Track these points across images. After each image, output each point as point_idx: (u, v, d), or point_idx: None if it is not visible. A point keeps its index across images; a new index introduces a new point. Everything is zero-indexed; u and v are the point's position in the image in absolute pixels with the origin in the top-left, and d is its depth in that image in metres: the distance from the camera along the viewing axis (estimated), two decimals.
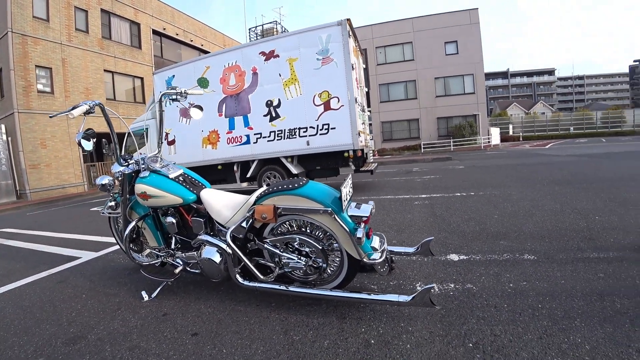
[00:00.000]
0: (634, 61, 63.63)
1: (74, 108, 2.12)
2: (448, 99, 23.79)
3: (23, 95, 14.01)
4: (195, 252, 2.25)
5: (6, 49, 13.70)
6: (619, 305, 1.74)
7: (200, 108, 2.76)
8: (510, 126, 32.49)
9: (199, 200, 2.28)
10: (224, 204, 2.19)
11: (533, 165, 9.10)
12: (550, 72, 71.01)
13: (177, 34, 21.48)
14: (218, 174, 7.40)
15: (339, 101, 6.23)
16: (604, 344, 1.44)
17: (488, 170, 8.73)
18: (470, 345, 1.53)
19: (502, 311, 1.79)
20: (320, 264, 2.00)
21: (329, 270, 2.04)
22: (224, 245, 2.07)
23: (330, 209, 1.82)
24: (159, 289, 2.46)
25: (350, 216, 1.86)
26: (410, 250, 2.39)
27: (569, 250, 2.60)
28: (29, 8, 14.25)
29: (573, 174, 6.70)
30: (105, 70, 17.20)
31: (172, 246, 2.41)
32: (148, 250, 2.61)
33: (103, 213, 2.94)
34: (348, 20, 6.25)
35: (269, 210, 1.92)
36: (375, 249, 1.90)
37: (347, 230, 1.79)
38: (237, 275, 2.08)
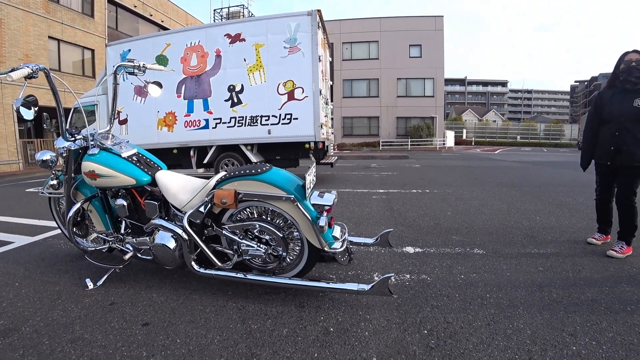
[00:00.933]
0: (575, 81, 69.78)
1: (13, 70, 1.87)
2: (408, 99, 24.57)
3: None
4: (147, 238, 2.11)
5: None
6: (555, 295, 1.92)
7: (160, 85, 2.56)
8: (464, 131, 34.40)
9: (153, 182, 2.13)
10: (181, 187, 2.07)
11: (483, 168, 9.72)
12: (504, 83, 75.97)
13: (135, 6, 19.94)
14: (173, 158, 7.02)
15: (303, 92, 6.17)
16: (542, 329, 1.58)
17: (442, 170, 9.19)
18: (425, 332, 1.59)
19: (454, 300, 1.89)
20: (280, 253, 1.97)
21: (288, 259, 2.02)
22: (179, 231, 1.95)
23: (293, 196, 1.79)
24: (105, 276, 2.26)
25: (313, 205, 1.85)
26: (370, 241, 2.43)
27: (513, 246, 2.81)
28: None
29: (518, 178, 7.26)
30: (50, 37, 15.50)
31: (122, 231, 2.24)
32: (94, 235, 2.40)
33: (42, 193, 2.65)
34: (318, 11, 6.19)
35: (230, 195, 1.85)
36: (336, 238, 1.90)
37: (309, 218, 1.78)
38: (193, 263, 1.98)
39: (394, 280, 2.16)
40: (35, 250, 3.13)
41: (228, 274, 1.95)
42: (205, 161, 6.83)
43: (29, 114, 1.96)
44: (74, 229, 2.33)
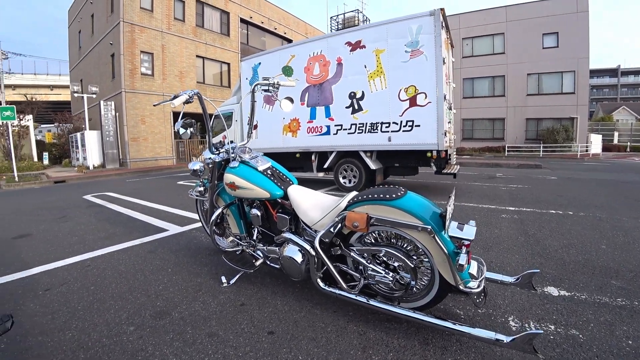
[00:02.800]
0: None
1: (175, 97, 2.18)
2: (541, 98, 21.18)
3: (129, 77, 15.79)
4: (277, 248, 2.25)
5: (118, 37, 15.51)
6: None
7: (291, 100, 2.75)
8: (616, 133, 28.04)
9: (285, 196, 2.25)
10: (312, 204, 2.12)
11: None
12: None
13: (262, 22, 22.34)
14: (295, 161, 7.52)
15: (426, 97, 5.83)
16: None
17: (587, 185, 7.56)
18: None
19: None
20: (408, 281, 1.83)
21: (415, 289, 1.87)
22: (307, 247, 2.01)
23: (430, 227, 1.64)
24: (237, 276, 2.53)
25: (451, 237, 1.67)
26: (509, 279, 2.05)
27: None
28: (137, 0, 15.88)
29: None
30: (197, 56, 18.63)
31: (254, 237, 2.43)
32: (231, 238, 2.68)
33: (191, 195, 3.08)
34: (442, 10, 5.75)
35: (362, 219, 1.79)
36: (473, 277, 1.67)
37: (446, 252, 1.61)
38: (319, 280, 2.01)
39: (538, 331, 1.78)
40: (183, 239, 3.72)
41: (351, 296, 1.91)
42: (325, 166, 7.08)
43: (186, 134, 2.30)
44: (214, 228, 2.66)
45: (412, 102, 5.93)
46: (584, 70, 20.45)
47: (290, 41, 23.45)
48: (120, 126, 16.19)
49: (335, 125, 6.79)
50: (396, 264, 1.85)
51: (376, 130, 6.31)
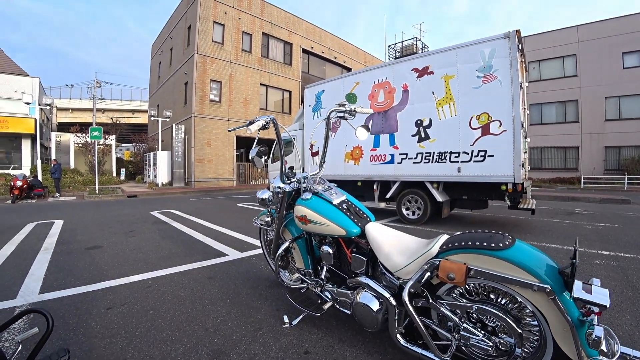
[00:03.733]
0: None
1: (251, 123, 2.09)
2: (623, 123, 18.99)
3: (199, 103, 17.16)
4: (349, 292, 2.03)
5: (192, 67, 17.05)
6: None
7: (367, 129, 2.57)
8: None
9: (362, 234, 2.04)
10: (395, 246, 1.87)
11: None
12: None
13: (322, 52, 23.28)
14: (356, 190, 7.38)
15: (500, 125, 5.45)
16: None
17: None
18: None
19: None
20: (512, 348, 1.54)
21: (519, 358, 1.56)
22: (387, 295, 1.79)
23: (549, 286, 1.35)
24: (300, 317, 2.29)
25: (575, 299, 1.34)
26: None
27: None
28: (210, 34, 17.47)
29: None
30: (261, 84, 19.83)
31: (322, 275, 2.23)
32: (297, 275, 2.48)
33: (256, 223, 2.93)
34: (517, 32, 5.42)
35: (460, 271, 1.53)
36: (603, 353, 1.30)
37: (570, 320, 1.32)
38: (399, 335, 1.76)
39: None
40: (242, 266, 3.69)
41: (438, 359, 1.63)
42: (387, 196, 6.85)
43: (260, 163, 2.15)
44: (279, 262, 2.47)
45: (485, 130, 5.59)
46: None
47: (349, 69, 24.11)
48: (188, 148, 17.50)
49: (400, 154, 6.61)
50: (496, 325, 1.59)
51: (444, 160, 6.01)
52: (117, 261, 3.92)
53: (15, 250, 4.53)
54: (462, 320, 1.63)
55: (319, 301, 2.27)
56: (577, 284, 1.40)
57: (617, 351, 1.31)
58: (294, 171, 2.53)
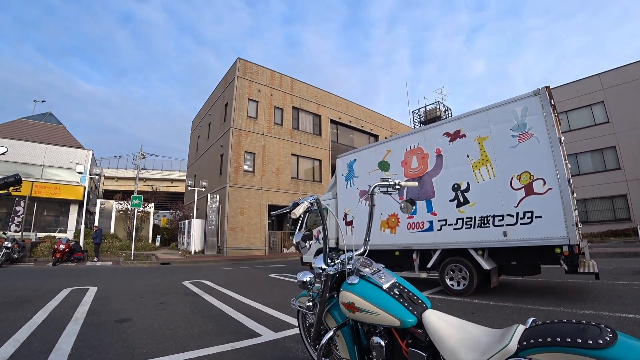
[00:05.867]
0: None
1: (295, 205, 2.01)
2: None
3: (234, 173, 18.04)
4: None
5: (228, 140, 18.28)
6: None
7: (413, 203, 2.52)
8: None
9: (418, 324, 1.82)
10: (462, 340, 1.63)
11: None
12: None
13: (350, 122, 24.54)
14: (394, 260, 7.02)
15: (544, 183, 5.25)
16: None
17: None
18: None
19: None
20: None
21: None
22: None
23: None
24: None
25: None
26: None
27: None
28: (245, 110, 18.98)
29: None
30: (292, 154, 20.80)
31: None
32: None
33: (294, 305, 2.68)
34: (547, 88, 5.46)
35: None
36: None
37: None
38: None
39: None
40: (277, 351, 3.40)
41: None
42: (429, 265, 6.44)
43: (305, 249, 2.09)
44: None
45: (528, 190, 5.38)
46: None
47: (376, 137, 25.15)
48: (222, 216, 18.01)
49: (439, 221, 6.36)
50: None
51: (487, 225, 5.73)
52: (146, 338, 3.79)
53: (47, 318, 4.60)
54: None
55: None
56: None
57: None
58: (338, 252, 2.39)
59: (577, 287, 6.30)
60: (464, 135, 6.25)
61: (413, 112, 25.14)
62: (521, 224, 5.39)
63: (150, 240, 23.01)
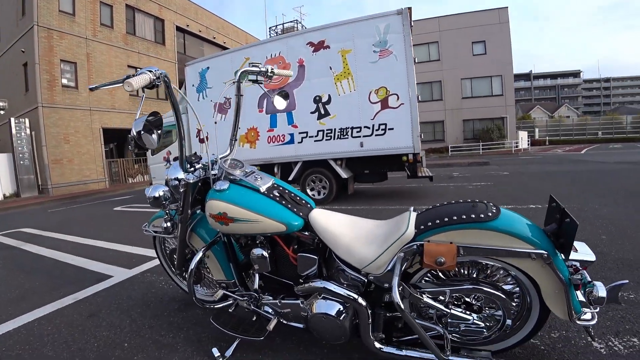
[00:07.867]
0: None
1: (128, 77, 1.33)
2: (475, 100, 22.90)
3: (47, 89, 13.72)
4: (299, 302, 1.57)
5: (32, 43, 13.43)
6: None
7: (287, 96, 2.04)
8: (537, 130, 31.27)
9: (305, 226, 1.58)
10: (357, 236, 1.48)
11: (586, 172, 8.26)
12: (576, 74, 68.39)
13: (200, 31, 21.19)
14: None
15: (398, 99, 5.60)
16: None
17: (539, 177, 7.99)
18: None
19: None
20: (502, 321, 1.41)
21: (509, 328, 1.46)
22: (356, 297, 1.41)
23: (546, 252, 1.22)
24: (234, 344, 1.72)
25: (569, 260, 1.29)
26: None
27: None
28: (55, 2, 13.99)
29: None
30: (129, 66, 16.87)
31: (256, 286, 1.70)
32: (221, 292, 1.84)
33: (147, 232, 2.20)
34: (409, 9, 5.60)
35: (450, 253, 1.27)
36: (584, 305, 1.26)
37: (564, 280, 1.22)
38: (376, 342, 1.41)
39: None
40: (136, 290, 2.76)
41: (427, 356, 1.36)
42: (290, 178, 6.47)
43: (151, 142, 1.36)
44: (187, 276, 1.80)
45: (384, 104, 5.65)
46: (510, 75, 22.67)
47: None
48: (38, 147, 13.92)
49: (300, 133, 6.27)
50: (483, 303, 1.42)
51: (346, 136, 5.92)
52: None
53: None
54: (449, 306, 1.40)
55: (254, 318, 1.72)
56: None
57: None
58: (198, 155, 1.83)
59: (414, 190, 7.39)
60: (328, 47, 6.03)
61: (270, 28, 23.85)
62: (376, 135, 5.74)
63: None
